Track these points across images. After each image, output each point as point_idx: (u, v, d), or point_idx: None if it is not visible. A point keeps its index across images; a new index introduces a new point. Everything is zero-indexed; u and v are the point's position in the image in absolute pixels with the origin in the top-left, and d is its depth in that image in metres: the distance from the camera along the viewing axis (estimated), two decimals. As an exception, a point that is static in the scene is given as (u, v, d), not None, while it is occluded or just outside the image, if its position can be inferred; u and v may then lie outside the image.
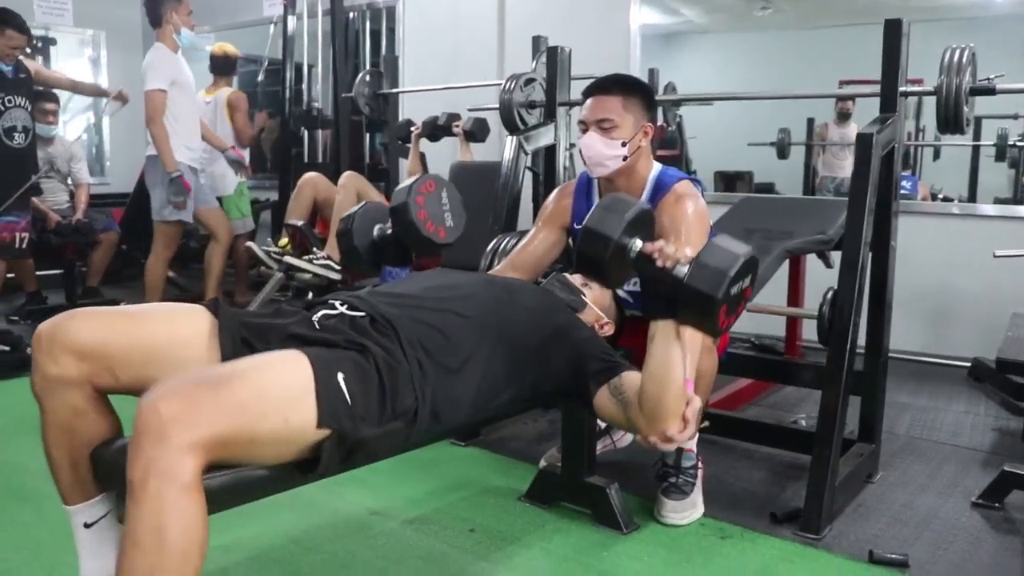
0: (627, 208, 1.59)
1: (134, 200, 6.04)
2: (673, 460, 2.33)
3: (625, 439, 2.72)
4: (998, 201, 4.91)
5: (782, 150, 6.15)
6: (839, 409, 2.22)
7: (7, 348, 3.82)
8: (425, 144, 4.78)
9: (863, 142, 2.26)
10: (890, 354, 2.67)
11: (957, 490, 2.56)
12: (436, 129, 4.61)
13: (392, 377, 1.49)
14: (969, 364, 3.94)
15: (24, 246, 4.34)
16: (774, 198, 4.97)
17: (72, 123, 7.25)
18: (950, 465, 2.79)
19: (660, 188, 2.28)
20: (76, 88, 5.23)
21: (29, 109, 4.26)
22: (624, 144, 2.21)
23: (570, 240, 2.43)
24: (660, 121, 5.80)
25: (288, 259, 4.04)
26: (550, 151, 3.10)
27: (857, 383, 2.45)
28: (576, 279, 2.13)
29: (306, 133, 6.17)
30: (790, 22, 6.40)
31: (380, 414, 1.46)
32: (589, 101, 2.27)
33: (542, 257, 2.40)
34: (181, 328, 1.50)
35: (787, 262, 3.47)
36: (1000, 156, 5.07)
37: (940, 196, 5.18)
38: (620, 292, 2.35)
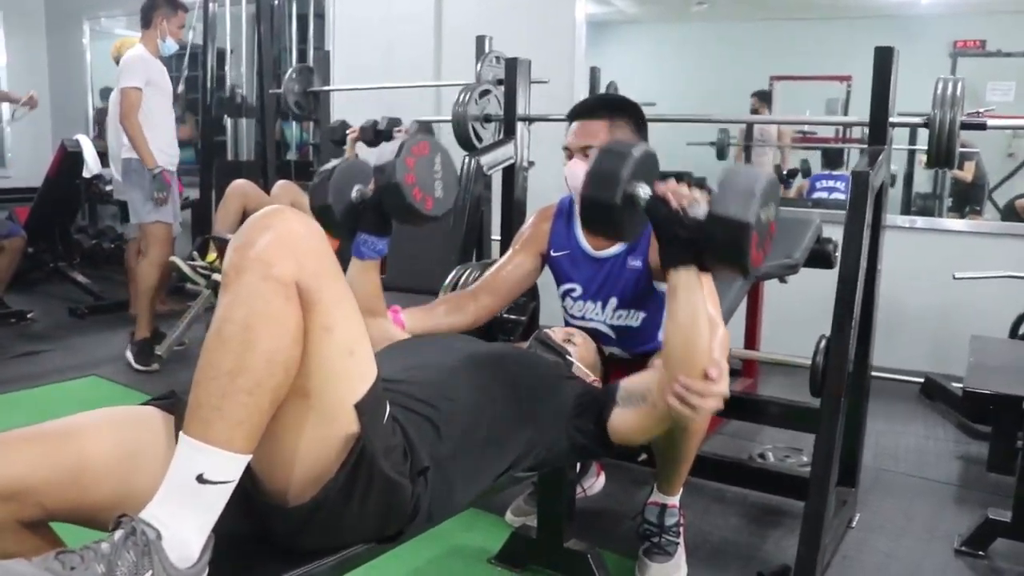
0: (630, 149, 1.43)
1: (43, 196, 5.60)
2: (656, 517, 2.18)
3: (596, 486, 2.56)
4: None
5: (721, 150, 6.08)
6: (833, 464, 2.10)
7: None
8: (361, 148, 4.52)
9: (858, 181, 2.12)
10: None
11: (937, 534, 2.48)
12: (376, 135, 4.36)
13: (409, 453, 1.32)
14: (921, 380, 3.91)
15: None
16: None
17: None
18: (923, 503, 2.72)
19: None
20: None
21: None
22: None
23: (550, 268, 2.25)
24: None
25: (216, 276, 3.74)
26: (508, 171, 2.89)
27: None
28: (558, 335, 1.96)
29: (229, 122, 5.81)
30: (724, 15, 6.35)
31: (400, 463, 1.28)
32: (573, 126, 2.08)
33: (517, 282, 2.23)
34: (123, 439, 1.24)
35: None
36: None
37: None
38: (601, 327, 2.19)
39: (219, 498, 1.10)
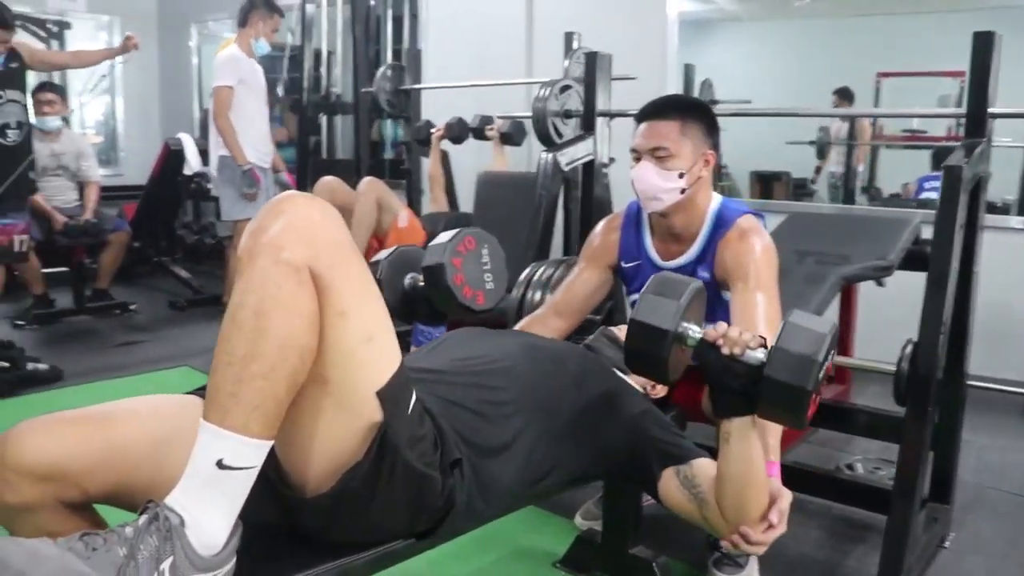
0: (681, 292, 1.38)
1: (149, 193, 5.84)
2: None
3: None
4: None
5: (821, 149, 5.85)
6: (919, 478, 1.97)
7: (6, 364, 3.61)
8: (449, 147, 4.54)
9: (950, 176, 1.98)
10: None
11: (1043, 561, 2.30)
12: (466, 132, 4.37)
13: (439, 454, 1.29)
14: (1030, 392, 3.65)
15: (23, 249, 4.12)
16: (824, 215, 4.65)
17: (89, 107, 7.10)
18: (1028, 525, 2.53)
19: (721, 223, 2.01)
20: (80, 60, 4.96)
21: (23, 103, 4.04)
22: (682, 175, 1.94)
23: (619, 278, 2.18)
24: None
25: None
26: (588, 167, 2.83)
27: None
28: (624, 332, 1.89)
29: (325, 120, 5.92)
30: (828, 10, 6.09)
31: (428, 453, 1.25)
32: (642, 127, 1.99)
33: (587, 299, 2.15)
34: (161, 427, 1.24)
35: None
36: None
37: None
38: None
39: (241, 484, 1.09)
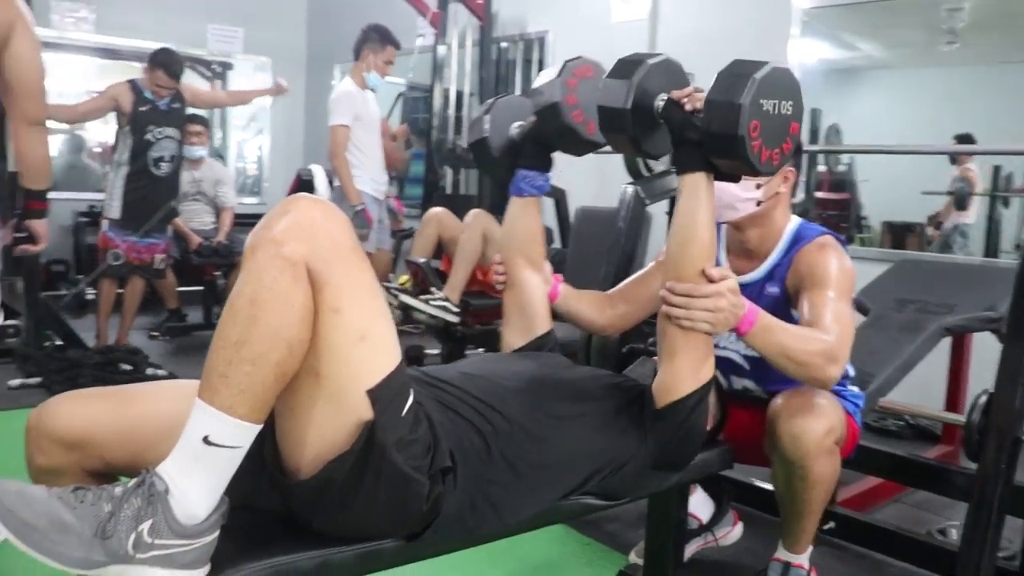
0: (649, 56, 1.49)
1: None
2: (779, 574, 1.98)
3: (732, 536, 2.37)
4: None
5: (961, 200, 5.51)
6: (986, 546, 1.81)
7: (129, 368, 3.89)
8: (566, 182, 4.58)
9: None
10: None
11: None
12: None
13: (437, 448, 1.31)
14: None
15: (162, 267, 4.48)
16: (936, 262, 4.40)
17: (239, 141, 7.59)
18: None
19: (798, 241, 1.98)
20: (236, 99, 5.40)
21: (179, 139, 4.40)
22: (759, 187, 1.92)
23: None
24: (824, 166, 5.34)
25: (404, 298, 3.91)
26: (673, 203, 2.79)
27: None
28: None
29: (449, 172, 6.07)
30: (980, 57, 5.76)
31: (417, 457, 1.26)
32: None
33: (655, 296, 2.13)
34: (180, 409, 1.32)
35: (949, 341, 3.03)
36: None
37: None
38: (735, 356, 2.05)
39: (225, 462, 1.15)
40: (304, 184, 5.78)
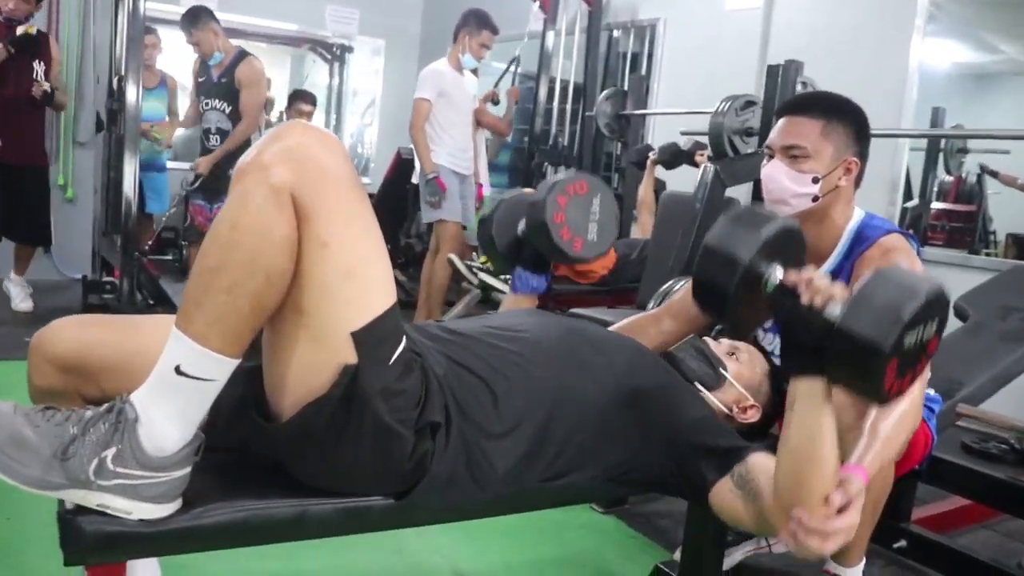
0: (765, 222, 1.21)
1: (378, 200, 6.19)
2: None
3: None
4: None
5: (1103, 217, 5.05)
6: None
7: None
8: (661, 172, 4.43)
9: None
10: None
11: None
12: (676, 156, 4.25)
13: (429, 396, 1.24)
14: None
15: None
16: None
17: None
18: None
19: (861, 241, 1.78)
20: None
21: (227, 111, 4.48)
22: (816, 180, 1.74)
23: None
24: (953, 173, 4.96)
25: (483, 276, 3.86)
26: (757, 185, 2.62)
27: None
28: (722, 347, 1.70)
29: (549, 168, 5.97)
30: None
31: (403, 409, 1.20)
32: (780, 122, 1.81)
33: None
34: None
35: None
36: None
37: None
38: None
39: (198, 395, 1.10)
40: (403, 162, 5.81)
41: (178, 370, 1.08)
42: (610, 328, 1.94)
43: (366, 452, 1.18)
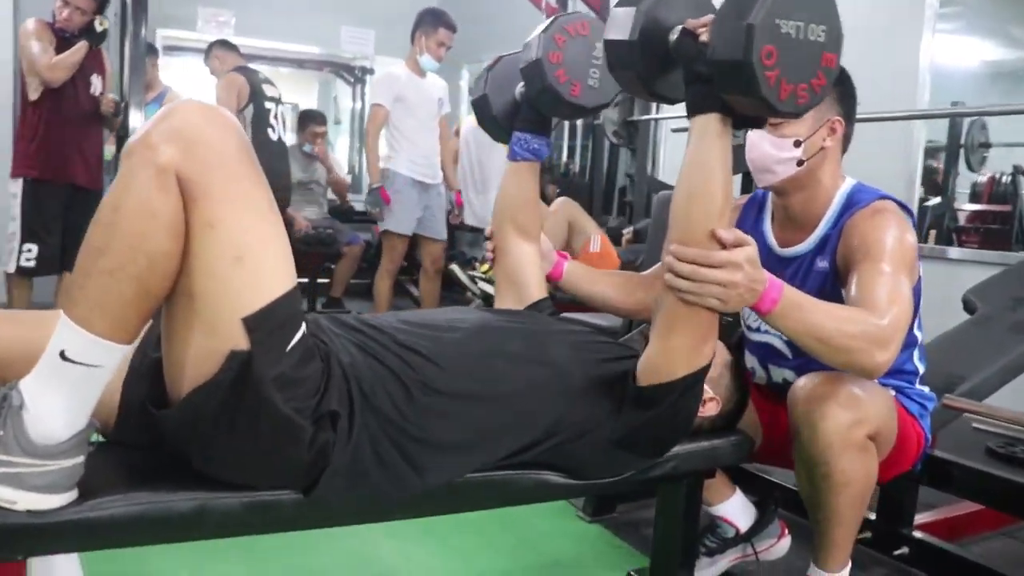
0: None
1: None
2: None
3: (777, 550, 2.08)
4: None
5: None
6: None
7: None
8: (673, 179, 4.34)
9: None
10: None
11: None
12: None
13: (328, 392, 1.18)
14: None
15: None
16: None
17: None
18: None
19: (851, 205, 1.72)
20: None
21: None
22: (799, 143, 1.68)
23: None
24: (984, 175, 4.78)
25: (484, 286, 3.81)
26: (749, 177, 2.55)
27: None
28: None
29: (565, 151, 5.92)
30: None
31: (301, 398, 1.14)
32: None
33: None
34: None
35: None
36: None
37: None
38: (776, 341, 1.81)
39: (84, 382, 1.07)
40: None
41: (63, 355, 1.04)
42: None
43: (263, 441, 1.13)
